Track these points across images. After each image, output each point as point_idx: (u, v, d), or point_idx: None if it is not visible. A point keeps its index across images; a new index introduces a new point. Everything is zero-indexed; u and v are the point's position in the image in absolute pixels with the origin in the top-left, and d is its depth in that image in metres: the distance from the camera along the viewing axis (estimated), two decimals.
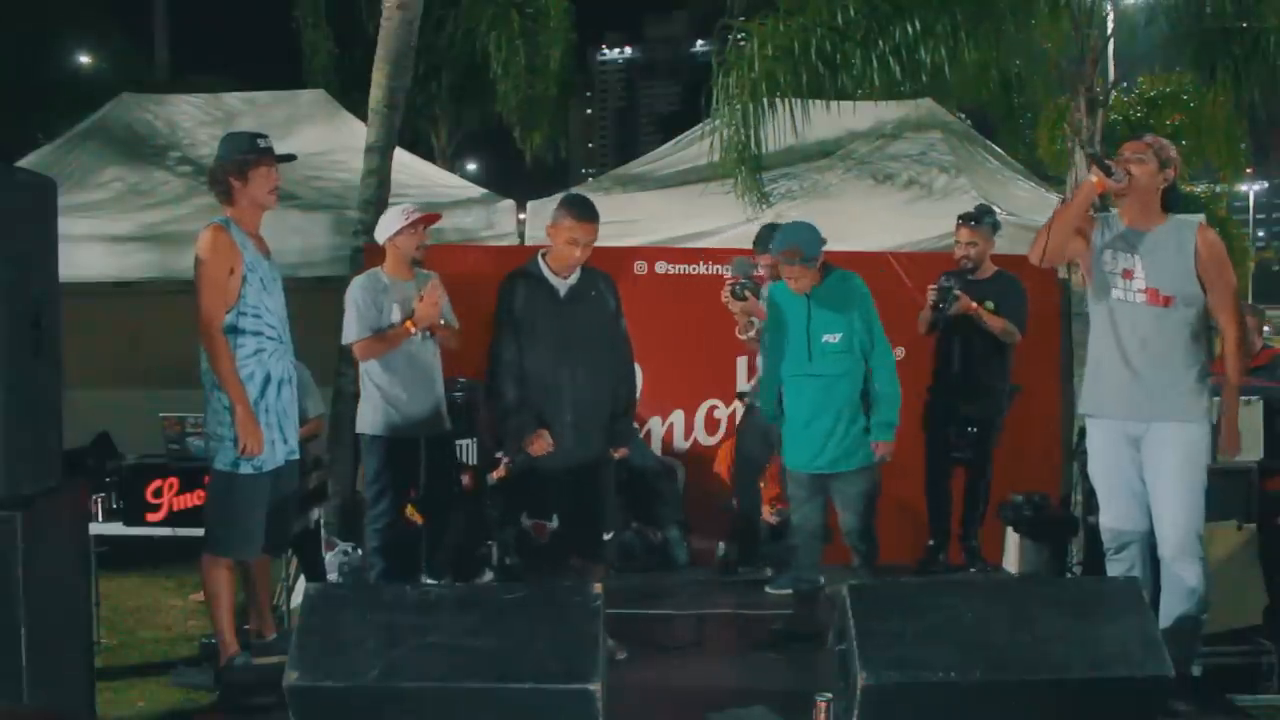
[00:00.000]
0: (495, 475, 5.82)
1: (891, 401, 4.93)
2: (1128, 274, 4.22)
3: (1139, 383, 4.20)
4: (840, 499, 4.98)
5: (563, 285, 4.78)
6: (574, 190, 8.33)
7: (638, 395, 5.38)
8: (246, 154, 4.36)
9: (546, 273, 4.78)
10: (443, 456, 5.51)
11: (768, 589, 5.88)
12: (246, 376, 4.29)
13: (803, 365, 4.94)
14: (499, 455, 4.74)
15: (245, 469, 4.29)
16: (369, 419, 5.33)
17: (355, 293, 5.28)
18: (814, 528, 5.07)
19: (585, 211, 4.78)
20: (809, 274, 4.89)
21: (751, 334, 5.81)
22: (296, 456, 4.55)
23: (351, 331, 5.26)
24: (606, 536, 4.90)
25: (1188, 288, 4.16)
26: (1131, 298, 4.21)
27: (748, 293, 5.63)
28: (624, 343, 4.94)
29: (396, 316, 5.25)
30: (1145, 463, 4.23)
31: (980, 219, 6.08)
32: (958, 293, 5.87)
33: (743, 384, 6.68)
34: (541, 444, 4.64)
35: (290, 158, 4.59)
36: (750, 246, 7.02)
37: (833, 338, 4.88)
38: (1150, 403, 4.18)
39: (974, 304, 5.90)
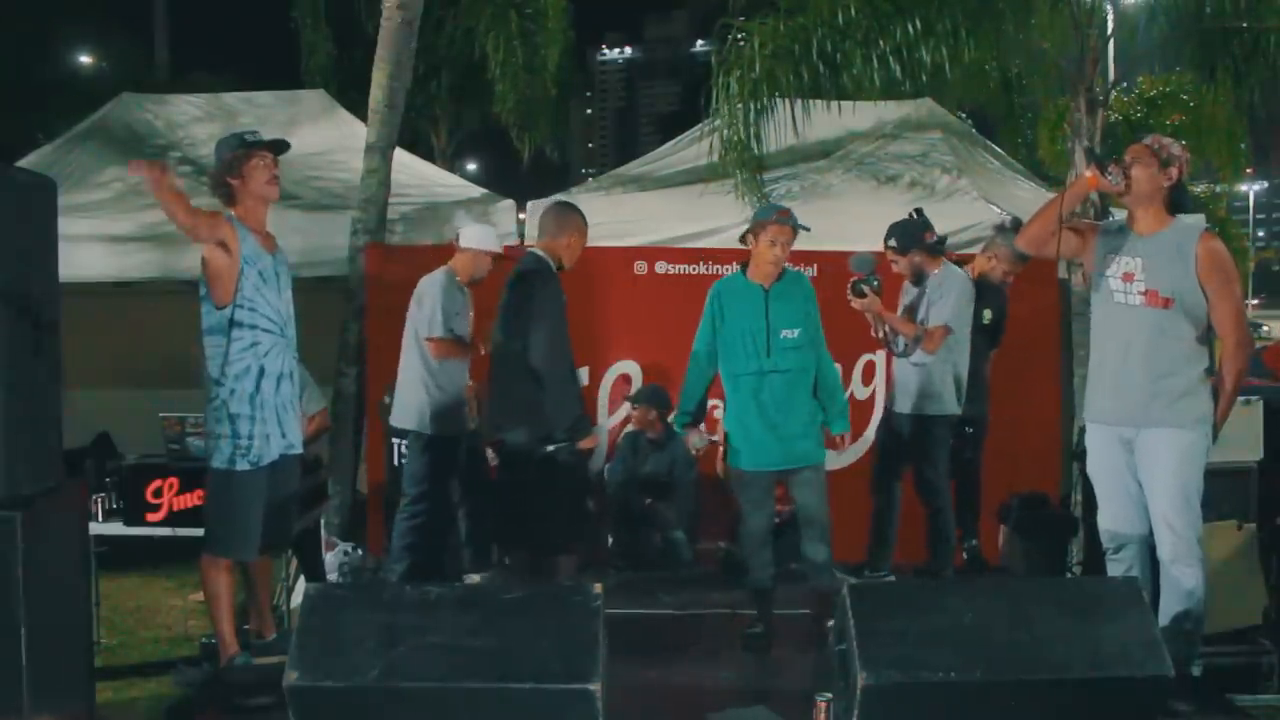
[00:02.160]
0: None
1: (838, 391, 5.08)
2: (1128, 277, 4.21)
3: (1133, 387, 4.18)
4: (807, 490, 4.91)
5: None
6: (572, 190, 8.36)
7: None
8: (237, 151, 4.38)
9: (556, 272, 5.01)
10: (478, 452, 5.79)
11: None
12: (242, 370, 4.29)
13: (759, 361, 4.83)
14: (549, 448, 4.88)
15: (241, 465, 4.28)
16: (416, 416, 5.56)
17: (436, 290, 5.61)
18: (769, 529, 5.02)
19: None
20: (789, 249, 4.93)
21: (882, 334, 5.79)
22: (295, 451, 4.53)
23: (437, 326, 5.55)
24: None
25: (1188, 291, 4.13)
26: (1131, 300, 4.20)
27: (865, 289, 5.52)
28: None
29: (462, 323, 5.67)
30: (1139, 467, 4.22)
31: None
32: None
33: None
34: (594, 443, 5.03)
35: (281, 144, 4.56)
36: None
37: (791, 333, 4.83)
38: (1142, 408, 4.17)
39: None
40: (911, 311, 5.73)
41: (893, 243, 5.76)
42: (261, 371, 4.34)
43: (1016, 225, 6.14)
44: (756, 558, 5.02)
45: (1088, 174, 4.25)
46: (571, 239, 5.06)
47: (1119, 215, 4.49)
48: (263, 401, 4.33)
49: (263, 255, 4.39)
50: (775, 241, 4.88)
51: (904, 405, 5.72)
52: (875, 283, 5.54)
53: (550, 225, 5.09)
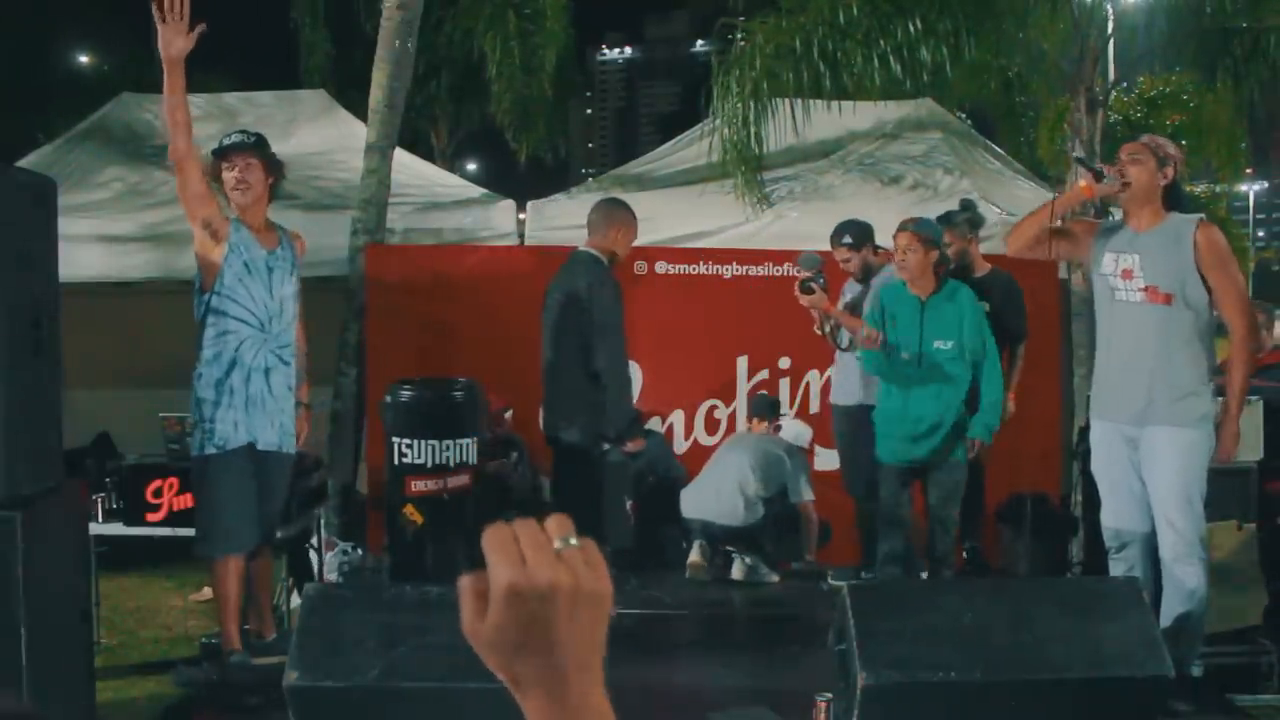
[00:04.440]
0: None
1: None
2: (1127, 274, 4.21)
3: (1134, 386, 4.19)
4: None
5: None
6: (572, 190, 8.35)
7: None
8: (213, 159, 4.43)
9: (609, 268, 5.17)
10: None
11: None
12: (211, 356, 4.34)
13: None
14: (605, 447, 5.08)
15: (208, 449, 4.31)
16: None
17: None
18: None
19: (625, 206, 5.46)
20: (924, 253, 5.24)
21: (826, 330, 5.86)
22: (266, 448, 4.46)
23: None
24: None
25: (1188, 285, 4.13)
26: (1131, 297, 4.20)
27: (814, 286, 5.60)
28: None
29: None
30: (1143, 465, 4.23)
31: (952, 218, 6.07)
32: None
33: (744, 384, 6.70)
34: (641, 445, 5.20)
35: (239, 145, 4.46)
36: (748, 246, 7.01)
37: (944, 344, 5.22)
38: (1145, 407, 4.17)
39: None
40: (854, 308, 5.79)
41: (848, 239, 5.83)
42: (233, 363, 4.33)
43: (967, 207, 6.16)
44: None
45: (1081, 183, 4.28)
46: (618, 232, 5.20)
47: (1117, 214, 4.49)
48: (231, 388, 4.33)
49: (254, 247, 4.38)
50: (904, 250, 5.18)
51: (845, 398, 5.86)
52: (822, 280, 5.67)
53: (599, 222, 5.24)
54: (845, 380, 5.94)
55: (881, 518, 5.35)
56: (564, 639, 0.92)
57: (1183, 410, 4.13)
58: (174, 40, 4.14)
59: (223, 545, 4.38)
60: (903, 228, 5.25)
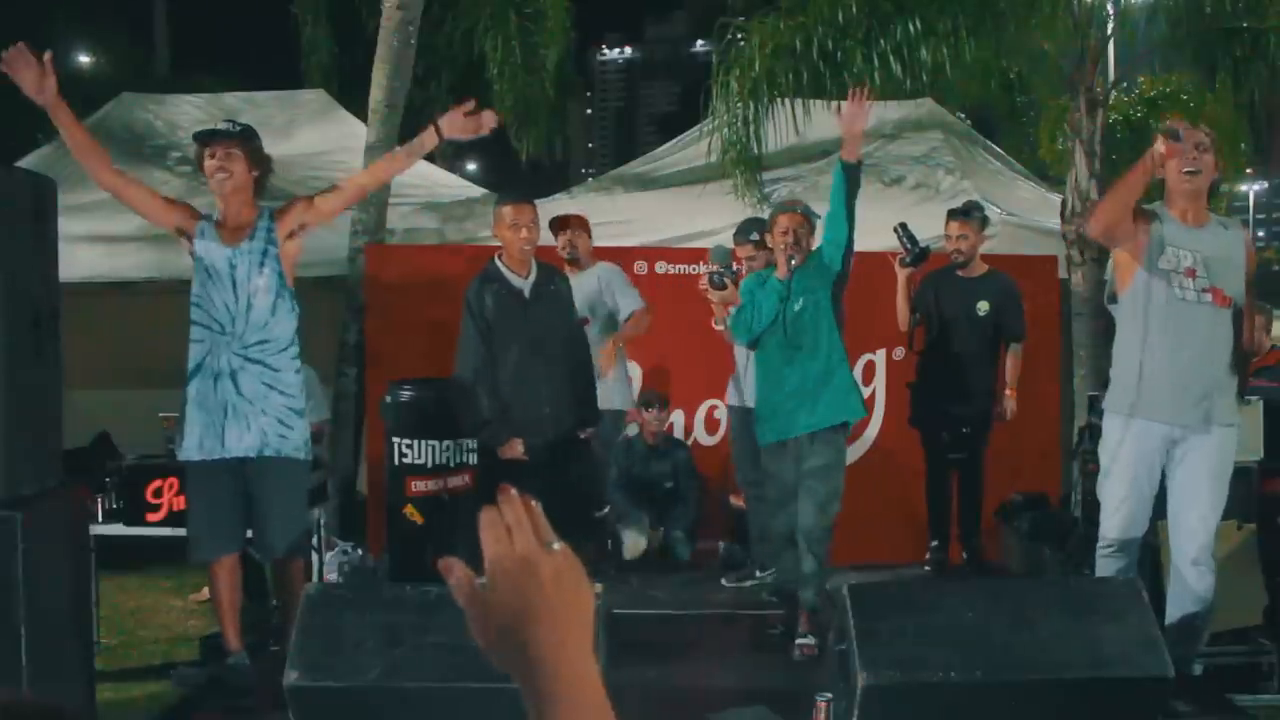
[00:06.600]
0: None
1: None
2: (1190, 272, 4.08)
3: (1197, 387, 4.11)
4: None
5: (525, 285, 5.10)
6: (572, 190, 8.36)
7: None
8: (197, 146, 4.35)
9: (507, 274, 5.09)
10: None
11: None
12: (191, 364, 4.30)
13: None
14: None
15: (183, 455, 4.31)
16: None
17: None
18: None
19: (513, 195, 5.26)
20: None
21: (728, 325, 5.84)
22: (255, 454, 4.28)
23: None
24: (599, 514, 5.44)
25: (1239, 290, 4.13)
26: (1195, 297, 4.08)
27: (725, 280, 5.59)
28: (581, 332, 5.41)
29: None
30: (1181, 465, 4.17)
31: (969, 212, 6.08)
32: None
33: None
34: (515, 451, 4.97)
35: (221, 131, 4.33)
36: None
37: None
38: (1205, 406, 4.12)
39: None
40: None
41: (755, 236, 5.79)
42: (198, 367, 4.27)
43: (976, 206, 6.17)
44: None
45: (1161, 148, 3.97)
46: (498, 231, 5.14)
47: (1160, 203, 4.36)
48: (195, 393, 4.26)
49: (214, 249, 4.26)
50: (794, 230, 5.01)
51: (743, 400, 5.85)
52: (733, 274, 5.62)
53: None
54: (747, 382, 5.87)
55: (771, 506, 5.13)
56: (549, 614, 1.01)
57: (1231, 411, 4.16)
58: (36, 83, 3.94)
59: (194, 552, 4.38)
60: (789, 209, 5.09)
